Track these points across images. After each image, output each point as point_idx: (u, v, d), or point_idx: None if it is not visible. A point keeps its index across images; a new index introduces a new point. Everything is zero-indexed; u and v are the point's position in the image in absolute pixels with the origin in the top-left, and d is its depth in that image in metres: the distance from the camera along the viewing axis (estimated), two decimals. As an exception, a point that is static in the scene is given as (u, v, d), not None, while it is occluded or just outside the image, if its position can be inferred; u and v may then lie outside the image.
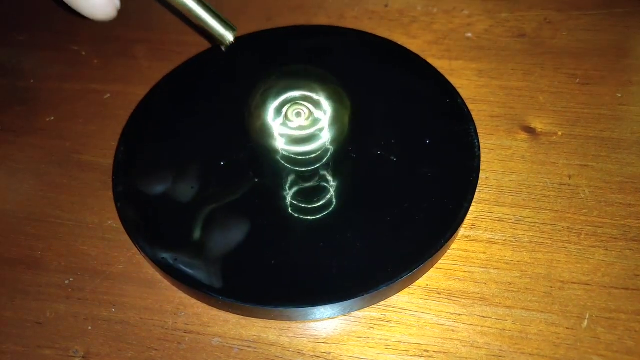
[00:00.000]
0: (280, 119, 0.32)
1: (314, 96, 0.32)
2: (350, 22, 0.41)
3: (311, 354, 0.28)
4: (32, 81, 0.40)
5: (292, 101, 0.32)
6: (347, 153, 0.33)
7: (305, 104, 0.32)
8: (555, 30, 0.40)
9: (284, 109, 0.32)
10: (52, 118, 0.38)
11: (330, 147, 0.32)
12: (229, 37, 0.31)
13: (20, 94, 0.39)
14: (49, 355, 0.29)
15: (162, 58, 0.40)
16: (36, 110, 0.38)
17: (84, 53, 0.41)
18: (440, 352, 0.27)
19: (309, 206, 0.31)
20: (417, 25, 0.41)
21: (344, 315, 0.29)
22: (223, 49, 0.31)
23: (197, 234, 0.30)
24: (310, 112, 0.31)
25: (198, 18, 0.30)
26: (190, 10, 0.30)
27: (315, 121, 0.31)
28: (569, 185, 0.32)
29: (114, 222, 0.32)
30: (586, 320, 0.28)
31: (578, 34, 0.39)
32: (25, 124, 0.38)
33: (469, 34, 0.40)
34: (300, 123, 0.31)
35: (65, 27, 0.43)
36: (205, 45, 0.39)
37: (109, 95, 0.39)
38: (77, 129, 0.37)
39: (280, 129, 0.31)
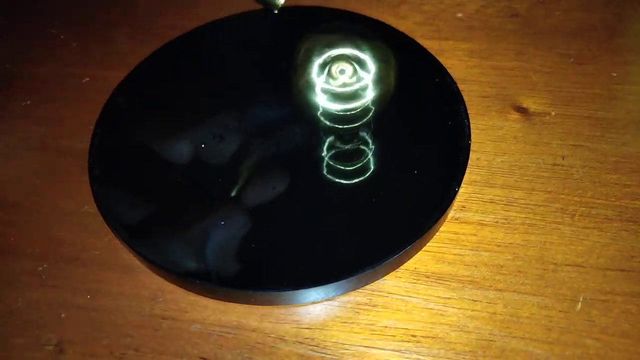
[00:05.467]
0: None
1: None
2: (338, 2, 0.40)
3: (294, 339, 0.27)
4: (7, 65, 0.39)
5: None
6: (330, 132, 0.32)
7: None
8: (549, 10, 0.39)
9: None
10: (29, 102, 0.37)
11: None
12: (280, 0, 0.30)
13: (-4, 78, 0.38)
14: (20, 344, 0.27)
15: (142, 41, 0.39)
16: (12, 94, 0.37)
17: (62, 36, 0.40)
18: (428, 336, 0.26)
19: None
20: (406, 5, 0.40)
21: (328, 300, 0.28)
22: (275, 11, 0.30)
23: (174, 218, 0.29)
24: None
25: None
26: None
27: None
28: (562, 165, 0.31)
29: (90, 207, 0.31)
30: (580, 303, 0.27)
31: (571, 14, 0.38)
32: (0, 108, 0.36)
33: (460, 14, 0.39)
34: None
35: (44, 10, 0.42)
36: (184, 29, 0.38)
37: (87, 79, 0.37)
38: (54, 113, 0.36)
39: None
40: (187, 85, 0.35)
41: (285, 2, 0.30)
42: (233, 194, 0.30)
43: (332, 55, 0.33)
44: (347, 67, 0.31)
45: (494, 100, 0.34)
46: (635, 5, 0.39)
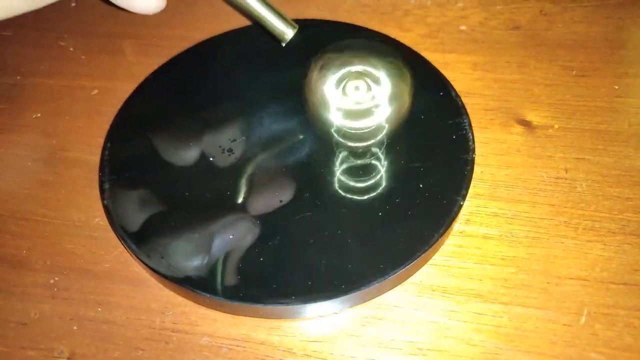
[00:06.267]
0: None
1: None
2: (342, 15, 0.41)
3: (302, 353, 0.27)
4: (18, 77, 0.39)
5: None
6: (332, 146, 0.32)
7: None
8: (550, 22, 0.39)
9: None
10: (39, 115, 0.37)
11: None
12: (289, 34, 0.30)
13: (5, 91, 0.39)
14: (33, 356, 0.28)
15: (150, 53, 0.39)
16: (22, 107, 0.38)
17: (71, 49, 0.41)
18: (434, 349, 0.27)
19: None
20: (410, 18, 0.40)
21: (336, 313, 0.28)
22: (283, 44, 0.31)
23: (184, 231, 0.29)
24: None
25: (258, 15, 0.30)
26: (250, 8, 0.30)
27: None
28: (565, 179, 0.32)
29: (101, 219, 0.32)
30: (584, 317, 0.27)
31: (573, 26, 0.39)
32: (10, 120, 0.37)
33: (463, 27, 0.40)
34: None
35: (52, 23, 0.42)
36: (192, 40, 0.38)
37: (96, 91, 0.38)
38: (64, 125, 0.36)
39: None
40: (196, 98, 0.36)
41: (293, 36, 0.31)
42: (241, 208, 0.30)
43: (340, 72, 0.33)
44: (360, 84, 0.32)
45: (497, 113, 0.35)
46: (637, 17, 0.39)
